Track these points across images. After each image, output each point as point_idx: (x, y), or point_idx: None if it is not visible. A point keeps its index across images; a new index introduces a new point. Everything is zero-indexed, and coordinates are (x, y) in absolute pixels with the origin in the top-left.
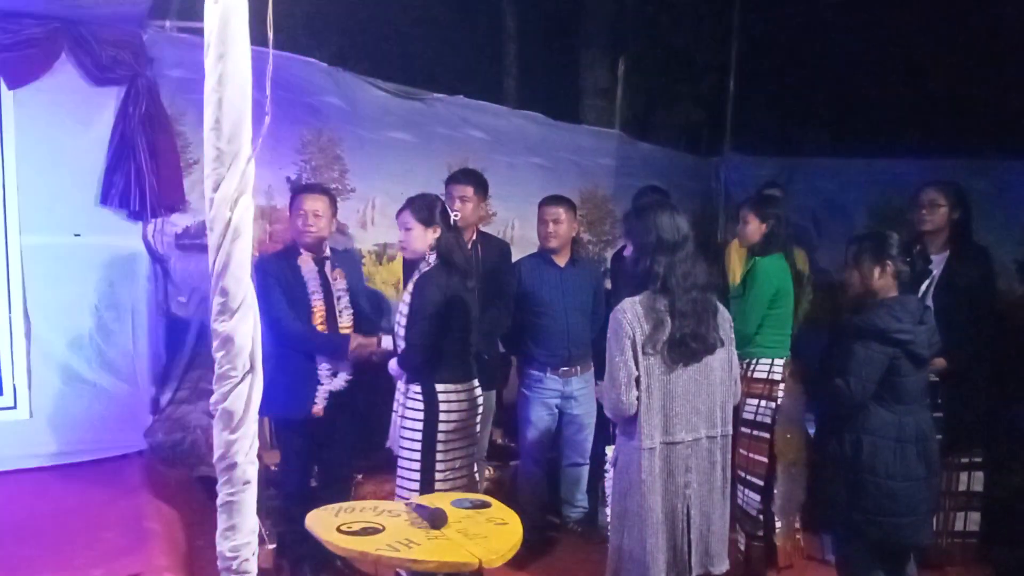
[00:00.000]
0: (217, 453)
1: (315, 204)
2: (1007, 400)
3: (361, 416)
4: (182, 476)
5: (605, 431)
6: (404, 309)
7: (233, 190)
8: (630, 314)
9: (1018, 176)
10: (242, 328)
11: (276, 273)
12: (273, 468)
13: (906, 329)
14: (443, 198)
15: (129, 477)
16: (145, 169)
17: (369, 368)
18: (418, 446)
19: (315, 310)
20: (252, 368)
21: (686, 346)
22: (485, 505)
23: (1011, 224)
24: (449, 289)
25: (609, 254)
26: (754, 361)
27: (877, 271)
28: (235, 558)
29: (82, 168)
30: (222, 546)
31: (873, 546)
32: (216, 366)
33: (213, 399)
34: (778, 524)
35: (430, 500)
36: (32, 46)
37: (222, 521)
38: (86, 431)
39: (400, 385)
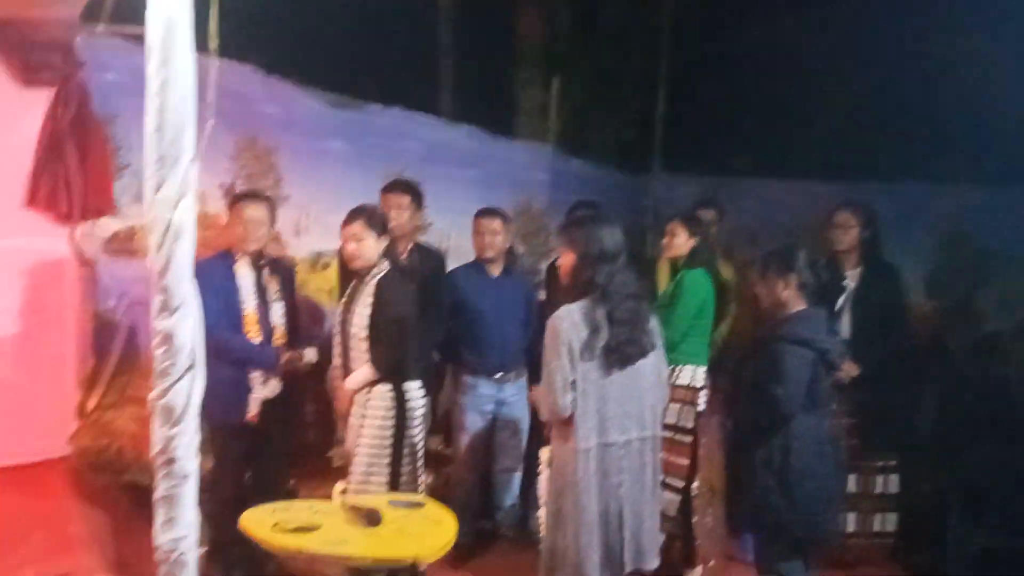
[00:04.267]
0: (156, 448)
1: (256, 212)
2: (916, 407)
3: (295, 422)
4: (108, 482)
5: (538, 435)
6: (365, 312)
7: (175, 192)
8: (567, 322)
9: (922, 197)
10: (183, 325)
11: (212, 279)
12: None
13: (823, 338)
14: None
15: (53, 482)
16: (74, 172)
17: (301, 376)
18: (389, 445)
19: (248, 317)
20: (193, 364)
21: (622, 351)
22: (420, 505)
23: (917, 242)
24: (409, 291)
25: (543, 265)
26: (678, 368)
27: (782, 284)
28: (173, 551)
29: (7, 170)
30: (160, 539)
31: (797, 542)
32: (155, 362)
33: (152, 395)
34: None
35: (368, 500)
36: None
37: (160, 515)
38: (9, 436)
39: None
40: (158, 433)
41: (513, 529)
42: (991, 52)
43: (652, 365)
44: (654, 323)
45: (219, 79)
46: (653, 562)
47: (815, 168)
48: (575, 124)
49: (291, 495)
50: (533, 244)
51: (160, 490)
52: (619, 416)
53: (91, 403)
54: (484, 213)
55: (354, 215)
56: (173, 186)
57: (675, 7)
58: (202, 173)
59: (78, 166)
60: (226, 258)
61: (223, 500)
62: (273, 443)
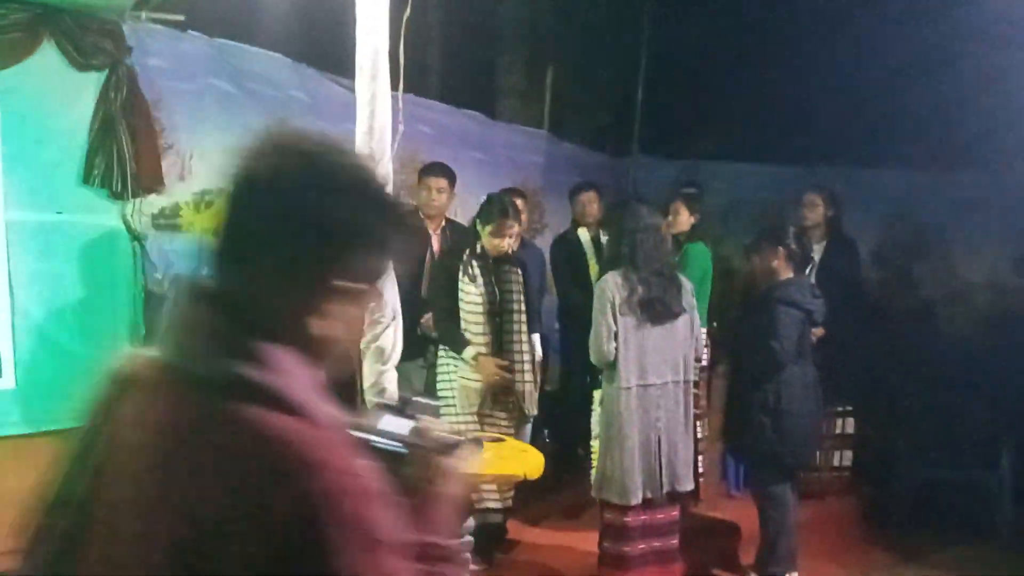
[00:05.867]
0: (369, 382)
1: None
2: (869, 361)
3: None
4: None
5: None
6: (519, 288)
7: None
8: (611, 283)
9: (868, 180)
10: (389, 285)
11: None
12: None
13: (809, 300)
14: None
15: None
16: (126, 151)
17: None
18: None
19: None
20: (396, 316)
21: (653, 308)
22: (502, 439)
23: (864, 220)
24: None
25: (538, 241)
26: None
27: (775, 255)
28: None
29: (64, 149)
30: None
31: (785, 469)
32: (368, 315)
33: (365, 340)
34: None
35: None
36: (16, 30)
37: None
38: (68, 400)
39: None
40: (371, 369)
41: None
42: (932, 55)
43: (685, 324)
44: (687, 289)
45: (251, 66)
46: (688, 485)
47: (778, 153)
48: (565, 110)
49: None
50: (531, 220)
51: None
52: (657, 363)
53: None
54: (509, 192)
55: (507, 217)
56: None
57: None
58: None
59: (130, 146)
60: None
61: None
62: None
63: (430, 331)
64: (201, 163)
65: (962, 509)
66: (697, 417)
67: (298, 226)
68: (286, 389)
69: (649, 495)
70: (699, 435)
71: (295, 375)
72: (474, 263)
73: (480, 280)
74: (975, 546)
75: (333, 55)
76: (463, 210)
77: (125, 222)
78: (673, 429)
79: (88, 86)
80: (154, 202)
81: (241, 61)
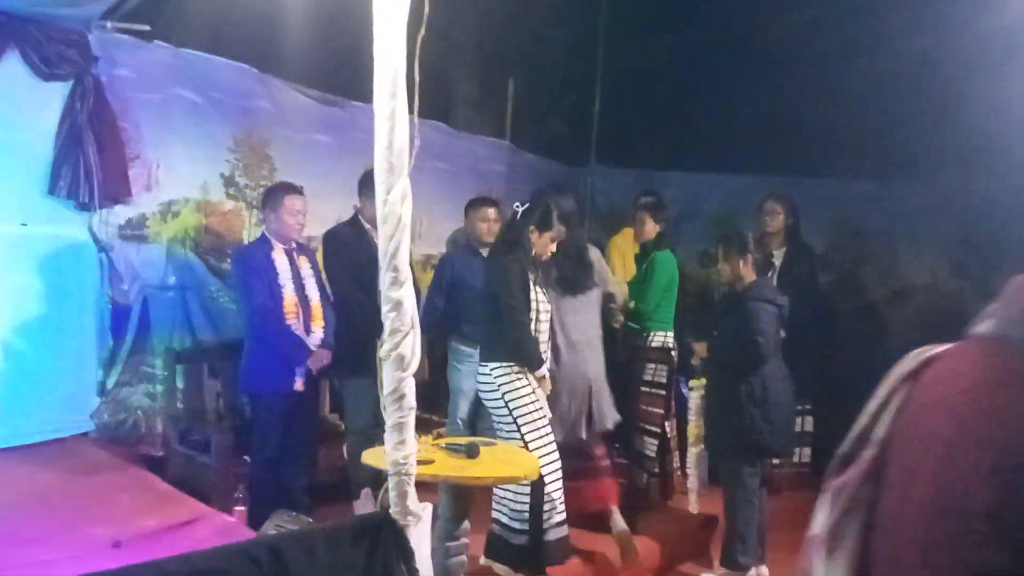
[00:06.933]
0: (389, 388)
1: (301, 204)
2: (826, 361)
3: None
4: (127, 454)
5: None
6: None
7: (401, 193)
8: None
9: (813, 188)
10: (407, 294)
11: (255, 264)
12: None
13: (779, 298)
14: None
15: (92, 454)
16: (93, 162)
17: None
18: None
19: (287, 299)
20: (414, 324)
21: (568, 284)
22: (493, 443)
23: (812, 228)
24: None
25: None
26: (652, 333)
27: (742, 262)
28: (404, 463)
29: (30, 160)
30: (394, 455)
31: (771, 455)
32: (388, 324)
33: (385, 348)
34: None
35: (458, 440)
36: None
37: (394, 437)
38: (34, 414)
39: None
40: (391, 376)
41: None
42: (873, 75)
43: (596, 294)
44: (598, 272)
45: (218, 77)
46: (613, 421)
47: (728, 163)
48: (526, 121)
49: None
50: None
51: (392, 419)
52: (579, 323)
53: (111, 381)
54: (482, 203)
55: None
56: (399, 190)
57: (609, 17)
58: (204, 164)
59: (96, 156)
60: (264, 246)
61: (264, 460)
62: (308, 408)
63: None
64: (167, 173)
65: None
66: (665, 418)
67: None
68: None
69: (583, 435)
70: (668, 435)
71: None
72: (533, 269)
73: (543, 287)
74: None
75: (299, 65)
76: (428, 220)
77: (91, 233)
78: (597, 375)
79: (54, 96)
80: (120, 213)
81: (207, 71)
